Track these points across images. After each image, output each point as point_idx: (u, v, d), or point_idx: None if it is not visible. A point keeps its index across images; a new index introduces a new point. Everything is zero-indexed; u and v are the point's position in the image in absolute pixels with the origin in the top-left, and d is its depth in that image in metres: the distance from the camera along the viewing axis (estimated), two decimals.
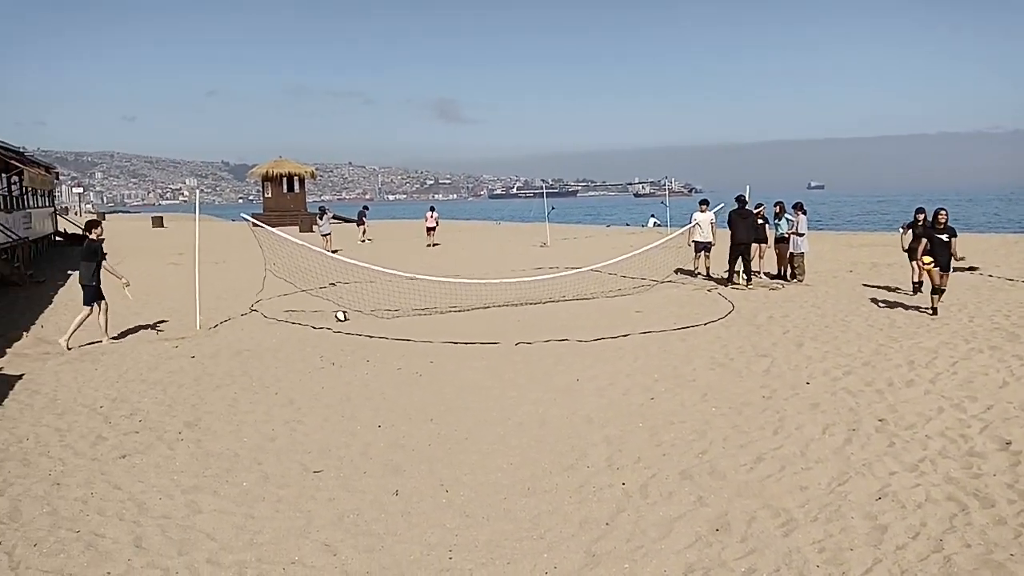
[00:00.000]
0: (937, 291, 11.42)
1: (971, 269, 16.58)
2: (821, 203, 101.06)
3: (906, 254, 14.09)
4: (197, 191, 15.11)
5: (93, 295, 10.63)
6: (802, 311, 12.24)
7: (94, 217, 11.76)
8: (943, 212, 11.57)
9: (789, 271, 15.80)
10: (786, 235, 15.55)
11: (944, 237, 11.31)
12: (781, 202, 15.96)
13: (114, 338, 10.93)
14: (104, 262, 10.75)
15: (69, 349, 10.28)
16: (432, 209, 30.17)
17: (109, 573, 4.26)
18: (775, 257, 16.31)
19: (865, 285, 15.13)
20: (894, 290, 14.30)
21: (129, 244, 32.28)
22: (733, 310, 12.52)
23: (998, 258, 19.26)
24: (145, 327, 11.99)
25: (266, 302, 14.20)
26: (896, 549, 4.30)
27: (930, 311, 11.52)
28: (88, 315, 10.60)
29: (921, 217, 13.61)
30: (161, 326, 12.08)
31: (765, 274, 16.30)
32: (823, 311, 12.17)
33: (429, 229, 29.34)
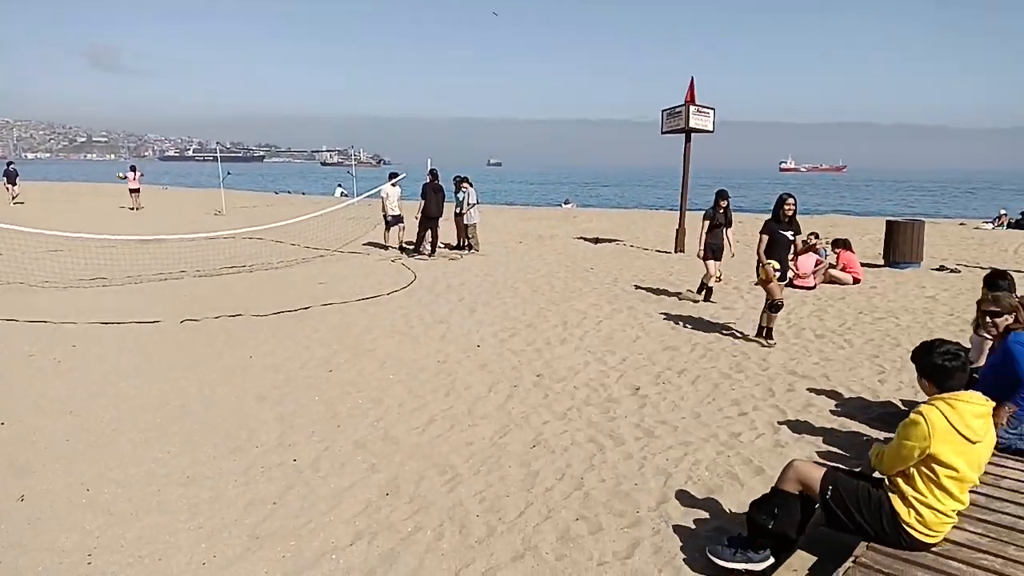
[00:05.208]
0: (776, 307, 8.50)
1: (610, 240, 19.14)
2: (498, 180, 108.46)
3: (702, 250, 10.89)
4: None
5: None
6: (477, 279, 13.00)
7: None
8: (791, 200, 8.45)
9: (467, 242, 16.66)
10: (463, 209, 16.33)
11: (789, 235, 8.47)
12: (458, 176, 16.72)
13: None
14: None
15: None
16: (133, 169, 28.40)
17: None
18: (455, 229, 17.09)
19: (532, 255, 16.54)
20: (557, 259, 15.86)
21: None
22: (415, 280, 12.85)
23: (640, 231, 22.39)
24: None
25: None
26: (545, 491, 4.76)
27: (763, 340, 8.61)
28: None
29: (724, 204, 10.76)
30: None
31: (445, 245, 17.00)
32: (495, 279, 13.05)
33: (132, 191, 27.64)
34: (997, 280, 5.79)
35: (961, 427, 3.24)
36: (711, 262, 10.86)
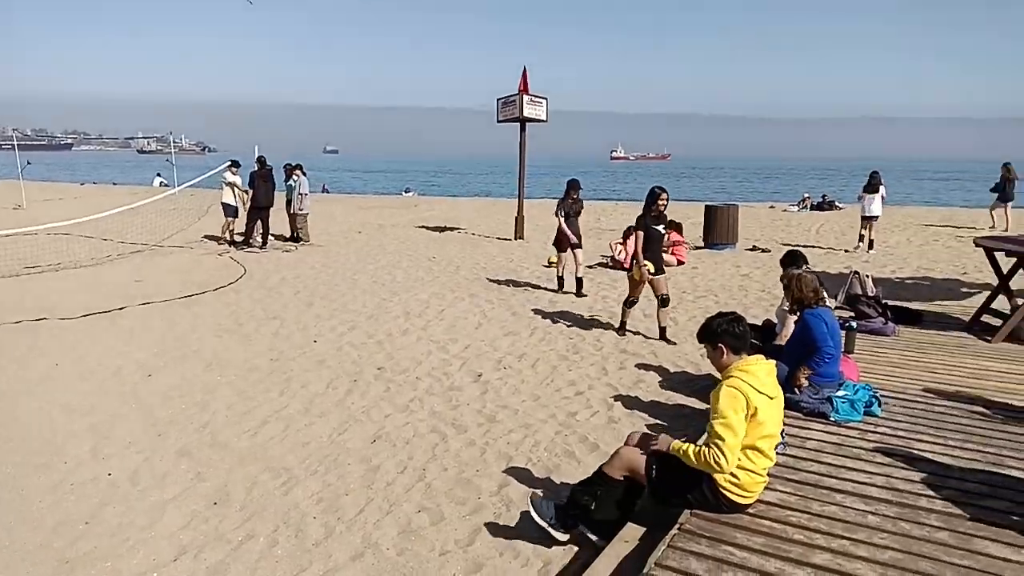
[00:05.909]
0: (632, 303, 8.44)
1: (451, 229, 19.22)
2: (335, 168, 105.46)
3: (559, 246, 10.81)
4: None
5: None
6: (314, 272, 12.56)
7: None
8: (665, 195, 8.04)
9: (298, 233, 16.04)
10: (293, 199, 15.67)
11: (661, 228, 8.17)
12: (288, 164, 16.03)
13: None
14: None
15: None
16: None
17: None
18: (287, 220, 16.39)
19: (373, 245, 16.23)
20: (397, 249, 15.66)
21: None
22: (245, 274, 12.22)
23: (481, 219, 22.61)
24: None
25: None
26: (386, 486, 4.68)
27: (661, 337, 8.39)
28: None
29: (575, 194, 10.57)
30: None
31: (276, 237, 16.27)
32: (333, 271, 12.67)
33: None
34: (794, 258, 6.37)
35: (760, 387, 3.54)
36: (566, 252, 10.69)
